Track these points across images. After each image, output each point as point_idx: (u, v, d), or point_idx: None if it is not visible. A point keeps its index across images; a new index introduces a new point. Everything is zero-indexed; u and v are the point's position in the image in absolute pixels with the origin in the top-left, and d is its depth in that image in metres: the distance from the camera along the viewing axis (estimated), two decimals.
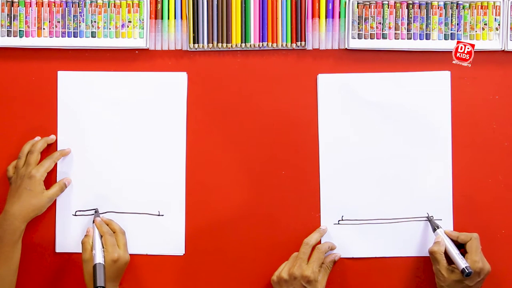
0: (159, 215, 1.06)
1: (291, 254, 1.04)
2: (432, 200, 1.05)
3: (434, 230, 1.03)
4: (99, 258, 0.96)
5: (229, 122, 1.07)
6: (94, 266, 0.94)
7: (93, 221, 1.03)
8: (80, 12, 1.07)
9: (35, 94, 1.07)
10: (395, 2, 1.06)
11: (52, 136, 1.07)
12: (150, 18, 1.07)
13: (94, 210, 1.06)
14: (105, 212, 1.06)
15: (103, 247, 0.98)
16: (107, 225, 1.03)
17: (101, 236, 1.00)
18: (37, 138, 1.06)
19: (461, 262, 0.95)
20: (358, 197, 1.06)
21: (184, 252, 1.06)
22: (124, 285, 1.04)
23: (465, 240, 1.00)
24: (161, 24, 1.07)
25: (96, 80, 1.07)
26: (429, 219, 1.04)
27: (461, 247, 1.00)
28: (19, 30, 1.07)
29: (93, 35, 1.07)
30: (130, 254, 1.02)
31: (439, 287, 0.99)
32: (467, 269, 0.94)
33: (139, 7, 1.07)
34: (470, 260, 0.96)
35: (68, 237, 1.06)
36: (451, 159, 1.05)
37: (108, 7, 1.07)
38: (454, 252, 0.98)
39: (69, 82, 1.07)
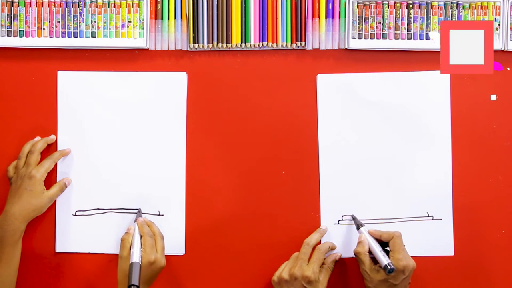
0: (159, 215, 1.06)
1: (291, 254, 1.04)
2: (432, 200, 1.05)
3: (358, 228, 1.03)
4: (136, 258, 0.95)
5: (229, 122, 1.07)
6: (131, 265, 0.94)
7: (135, 220, 1.03)
8: (80, 12, 1.07)
9: (35, 94, 1.07)
10: (395, 2, 1.06)
11: (52, 136, 1.07)
12: (150, 18, 1.07)
13: (137, 210, 1.06)
14: (105, 212, 1.06)
15: (141, 248, 0.98)
16: (148, 226, 1.02)
17: (141, 237, 1.00)
18: (37, 138, 1.06)
19: (383, 259, 0.95)
20: (358, 197, 1.06)
21: (184, 252, 1.06)
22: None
23: (387, 238, 0.99)
24: (161, 24, 1.07)
25: (96, 80, 1.07)
26: (353, 218, 1.05)
27: (387, 245, 1.00)
28: (19, 30, 1.07)
29: (93, 35, 1.07)
30: None
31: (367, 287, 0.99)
32: (389, 265, 0.94)
33: (139, 7, 1.07)
34: (393, 258, 0.96)
35: (68, 237, 1.06)
36: (451, 159, 1.05)
37: (108, 7, 1.07)
38: (377, 250, 0.97)
39: (69, 82, 1.07)
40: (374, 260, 0.99)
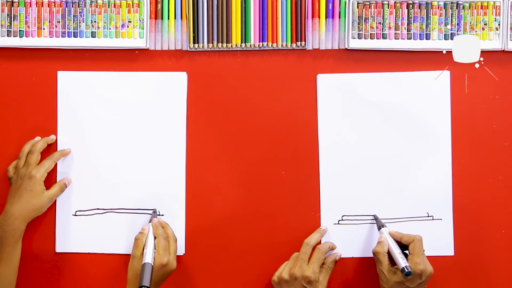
0: (159, 215, 1.06)
1: (291, 254, 1.04)
2: (432, 200, 1.05)
3: (379, 229, 1.03)
4: (149, 259, 0.95)
5: (229, 122, 1.07)
6: (143, 265, 0.93)
7: (150, 220, 1.03)
8: (80, 12, 1.07)
9: (35, 94, 1.07)
10: (395, 2, 1.06)
11: (52, 136, 1.07)
12: (150, 18, 1.07)
13: (153, 210, 1.06)
14: (105, 212, 1.06)
15: (154, 249, 0.97)
16: (163, 228, 1.02)
17: (155, 238, 0.99)
18: (37, 138, 1.06)
19: (402, 262, 0.95)
20: (358, 197, 1.06)
21: (184, 252, 1.06)
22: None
23: (408, 241, 0.99)
24: (161, 24, 1.07)
25: (96, 80, 1.07)
26: (375, 218, 1.05)
27: (406, 248, 1.00)
28: (19, 30, 1.07)
29: (93, 35, 1.07)
30: (129, 254, 1.01)
31: None
32: (406, 269, 0.94)
33: (139, 7, 1.07)
34: (412, 261, 0.96)
35: (68, 237, 1.06)
36: (451, 159, 1.05)
37: (108, 7, 1.07)
38: (396, 252, 0.97)
39: (69, 82, 1.07)
40: (392, 261, 0.99)
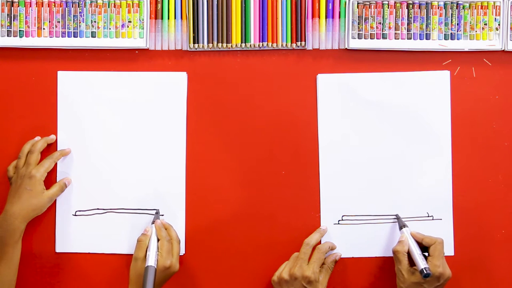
0: (159, 215, 1.06)
1: (291, 254, 1.04)
2: (432, 200, 1.05)
3: (401, 228, 1.03)
4: (152, 261, 0.94)
5: (229, 122, 1.07)
6: (146, 268, 0.93)
7: (153, 221, 1.02)
8: (80, 12, 1.07)
9: (35, 94, 1.07)
10: (395, 2, 1.06)
11: (52, 136, 1.07)
12: (150, 18, 1.07)
13: (156, 211, 1.05)
14: (105, 212, 1.06)
15: (158, 251, 0.97)
16: (166, 229, 1.01)
17: (158, 240, 0.99)
18: (37, 138, 1.06)
19: (421, 263, 0.95)
20: (358, 197, 1.06)
21: (184, 252, 1.06)
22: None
23: (429, 243, 0.99)
24: (161, 24, 1.07)
25: (96, 80, 1.07)
26: (397, 217, 1.04)
27: (426, 250, 1.00)
28: (19, 30, 1.07)
29: (93, 35, 1.07)
30: (130, 254, 1.02)
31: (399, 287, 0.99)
32: (425, 270, 0.94)
33: (139, 7, 1.07)
34: (431, 263, 0.96)
35: (68, 237, 1.06)
36: (451, 159, 1.05)
37: (108, 7, 1.07)
38: (416, 253, 0.97)
39: (69, 82, 1.07)
40: (411, 261, 0.98)
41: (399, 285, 0.98)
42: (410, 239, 1.00)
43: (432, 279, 0.95)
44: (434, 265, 0.96)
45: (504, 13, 1.05)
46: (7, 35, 1.07)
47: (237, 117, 1.07)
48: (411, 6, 1.06)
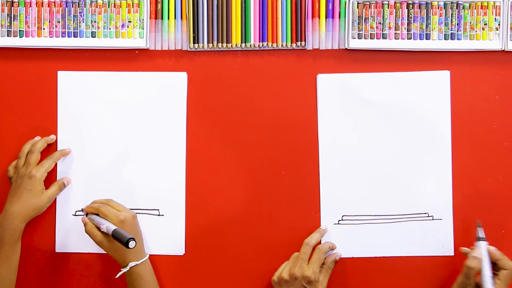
0: (159, 215, 1.06)
1: (291, 254, 1.04)
2: (432, 200, 1.05)
3: (478, 240, 0.99)
4: (110, 228, 0.95)
5: (229, 122, 1.07)
6: (113, 232, 0.94)
7: (86, 215, 1.02)
8: (80, 12, 1.07)
9: (35, 94, 1.07)
10: (395, 2, 1.06)
11: (52, 136, 1.07)
12: (150, 18, 1.07)
13: (80, 210, 1.06)
14: None
15: (105, 219, 0.98)
16: (90, 207, 1.01)
17: (97, 215, 0.99)
18: (37, 138, 1.06)
19: (489, 287, 0.94)
20: (358, 197, 1.06)
21: (184, 252, 1.06)
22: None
23: (504, 266, 0.96)
24: (161, 24, 1.07)
25: (96, 80, 1.07)
26: (478, 226, 1.01)
27: (493, 265, 0.97)
28: (19, 30, 1.07)
29: (93, 35, 1.07)
30: None
31: None
32: None
33: (139, 7, 1.07)
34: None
35: (68, 237, 1.06)
36: (451, 159, 1.05)
37: (108, 7, 1.07)
38: (487, 273, 0.95)
39: (69, 82, 1.07)
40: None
41: None
42: (485, 256, 0.97)
43: None
44: None
45: (504, 13, 1.05)
46: (7, 35, 1.07)
47: (237, 117, 1.07)
48: (411, 6, 1.06)
